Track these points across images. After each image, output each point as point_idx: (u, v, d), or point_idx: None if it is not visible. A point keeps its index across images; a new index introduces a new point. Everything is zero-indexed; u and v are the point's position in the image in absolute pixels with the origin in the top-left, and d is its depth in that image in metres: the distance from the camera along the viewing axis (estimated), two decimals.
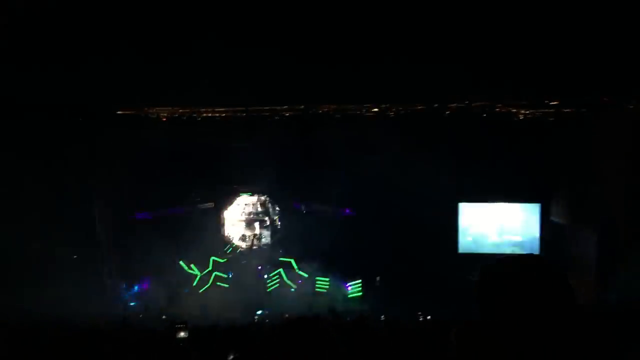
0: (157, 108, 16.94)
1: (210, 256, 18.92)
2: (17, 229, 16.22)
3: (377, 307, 16.48)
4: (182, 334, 4.85)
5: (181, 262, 18.58)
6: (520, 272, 1.69)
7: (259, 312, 16.69)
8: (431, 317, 13.89)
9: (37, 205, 16.86)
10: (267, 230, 20.82)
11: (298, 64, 12.94)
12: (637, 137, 14.07)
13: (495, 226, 17.27)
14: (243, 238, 20.59)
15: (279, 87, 14.12)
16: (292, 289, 18.33)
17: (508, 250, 16.52)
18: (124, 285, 18.16)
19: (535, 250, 16.77)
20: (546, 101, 15.33)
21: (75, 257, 17.25)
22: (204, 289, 18.47)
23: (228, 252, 19.97)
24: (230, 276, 18.76)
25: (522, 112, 15.98)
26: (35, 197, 16.77)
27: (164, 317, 14.87)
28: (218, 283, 18.40)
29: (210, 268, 18.67)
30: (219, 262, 19.00)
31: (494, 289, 1.69)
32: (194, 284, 18.48)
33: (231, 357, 3.97)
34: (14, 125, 15.06)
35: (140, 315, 14.16)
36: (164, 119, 17.22)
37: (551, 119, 15.88)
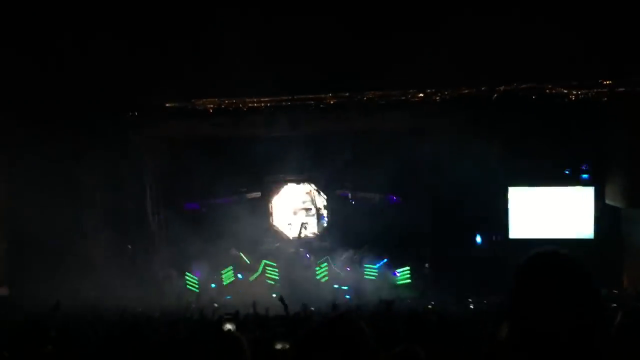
0: (204, 100, 17.17)
1: (258, 245, 19.16)
2: (74, 220, 16.87)
3: (426, 294, 16.39)
4: (228, 326, 4.92)
5: (241, 253, 18.89)
6: (550, 271, 1.73)
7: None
8: (482, 303, 13.71)
9: (92, 198, 17.49)
10: (315, 218, 20.91)
11: (342, 50, 12.91)
12: None
13: (547, 210, 16.85)
14: (290, 227, 20.74)
15: (323, 74, 14.12)
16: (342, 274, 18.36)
17: (561, 235, 16.11)
18: (176, 274, 18.55)
19: (589, 234, 16.33)
20: (599, 80, 14.81)
21: (129, 247, 17.77)
22: (253, 277, 18.71)
23: (276, 243, 20.18)
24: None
25: (574, 92, 15.49)
26: (90, 190, 17.38)
27: (215, 304, 15.14)
28: (268, 270, 18.58)
29: (259, 256, 18.91)
30: (267, 250, 19.25)
31: (523, 284, 1.75)
32: (242, 277, 18.76)
33: (279, 346, 4.02)
34: (66, 121, 15.56)
35: (193, 305, 14.45)
36: (211, 111, 17.44)
37: (604, 99, 15.35)
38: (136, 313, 12.21)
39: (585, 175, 16.43)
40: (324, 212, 20.82)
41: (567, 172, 16.60)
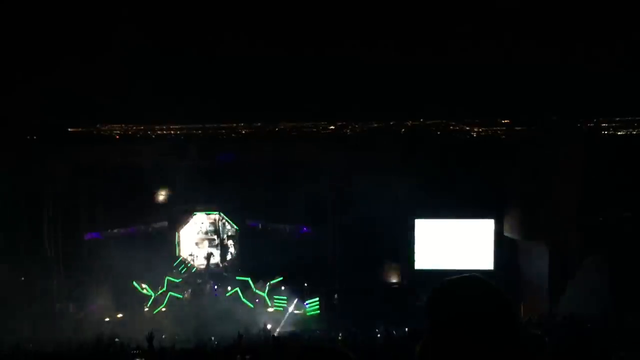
0: (110, 125, 16.63)
1: (165, 276, 18.50)
2: None
3: (334, 325, 16.39)
4: None
5: (134, 283, 18.10)
6: (465, 294, 1.75)
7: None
8: (390, 333, 13.88)
9: None
10: (223, 249, 20.56)
11: (256, 80, 12.95)
12: (587, 156, 14.54)
13: (451, 242, 17.44)
14: (197, 257, 20.27)
15: (239, 103, 14.10)
16: (251, 306, 18.05)
17: (462, 267, 16.69)
18: (74, 309, 17.54)
19: (489, 265, 17.02)
20: (498, 119, 15.73)
21: (22, 279, 16.62)
22: (157, 310, 18.01)
23: (183, 272, 19.59)
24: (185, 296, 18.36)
25: (475, 129, 16.33)
26: None
27: (116, 340, 14.40)
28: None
29: (164, 288, 18.22)
30: (174, 282, 18.59)
31: (440, 311, 1.74)
32: (148, 304, 18.00)
33: None
34: None
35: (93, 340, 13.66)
36: (117, 137, 16.91)
37: (503, 137, 16.28)
38: (29, 350, 11.40)
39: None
40: (229, 242, 20.54)
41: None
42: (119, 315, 17.40)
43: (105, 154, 17.70)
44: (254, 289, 18.20)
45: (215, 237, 20.56)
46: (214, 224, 20.56)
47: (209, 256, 20.14)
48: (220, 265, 20.28)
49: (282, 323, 16.68)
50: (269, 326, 16.35)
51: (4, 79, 12.39)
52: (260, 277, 18.38)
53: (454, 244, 17.39)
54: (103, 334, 14.88)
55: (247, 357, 8.02)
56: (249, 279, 18.38)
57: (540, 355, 3.56)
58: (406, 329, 12.95)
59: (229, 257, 20.45)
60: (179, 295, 18.12)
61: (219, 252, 20.48)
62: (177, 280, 18.83)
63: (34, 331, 14.21)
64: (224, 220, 20.41)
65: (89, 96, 13.51)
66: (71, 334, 14.96)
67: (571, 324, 11.16)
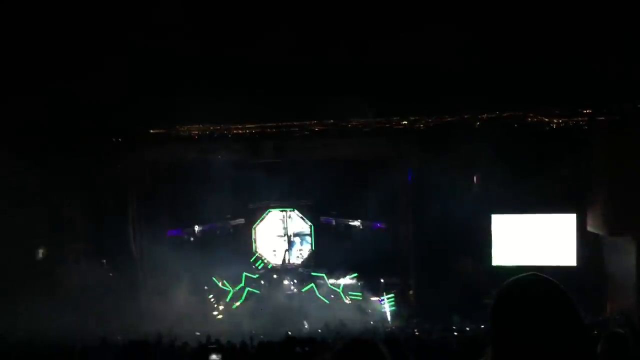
0: (189, 126, 17.18)
1: (242, 272, 18.98)
2: (57, 249, 16.67)
3: (410, 322, 16.31)
4: (214, 357, 4.80)
5: (214, 279, 18.68)
6: (529, 296, 1.70)
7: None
8: (465, 331, 13.67)
9: (74, 227, 17.31)
10: (297, 245, 20.85)
11: (325, 78, 13.03)
12: None
13: (530, 238, 16.95)
14: (274, 253, 20.64)
15: (309, 101, 14.23)
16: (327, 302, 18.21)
17: (543, 263, 16.19)
18: (158, 303, 18.28)
19: (572, 261, 16.41)
20: (579, 109, 15.09)
21: (111, 275, 17.49)
22: (236, 305, 18.51)
23: (259, 267, 20.02)
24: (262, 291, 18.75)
25: (555, 120, 15.74)
26: (72, 220, 17.23)
27: (197, 333, 14.91)
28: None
29: (242, 284, 18.70)
30: (251, 277, 19.04)
31: (503, 314, 1.72)
32: (227, 299, 18.53)
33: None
34: (54, 148, 15.44)
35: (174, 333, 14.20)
36: (195, 137, 17.45)
37: (585, 128, 15.61)
38: (116, 342, 11.98)
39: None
40: (304, 239, 20.79)
41: None
42: (199, 310, 17.97)
43: (184, 154, 18.33)
44: (329, 285, 18.37)
45: (289, 233, 20.87)
46: (288, 220, 20.87)
47: (284, 252, 20.48)
48: (295, 261, 20.57)
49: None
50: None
51: (85, 82, 13.01)
52: (335, 273, 18.53)
53: (534, 240, 16.90)
54: (182, 327, 15.49)
55: (306, 348, 8.08)
56: (324, 275, 18.57)
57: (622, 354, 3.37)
58: (482, 326, 12.72)
59: (303, 253, 20.71)
60: (256, 291, 18.54)
61: (293, 248, 20.79)
62: (254, 276, 19.27)
63: (120, 324, 14.91)
64: (298, 217, 20.69)
65: (167, 98, 13.99)
66: (154, 326, 15.62)
67: None
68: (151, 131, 17.10)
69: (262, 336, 14.69)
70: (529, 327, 1.64)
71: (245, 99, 13.09)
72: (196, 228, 19.82)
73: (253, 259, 20.10)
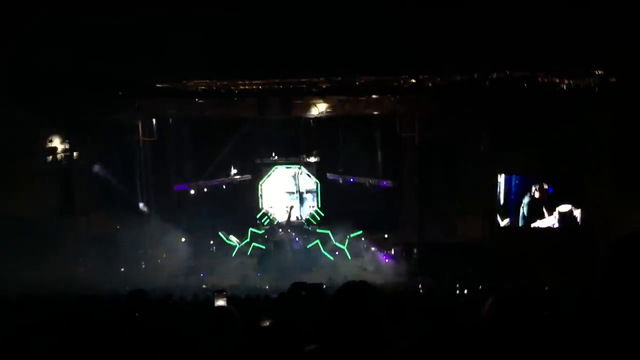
0: (195, 81, 17.07)
1: (248, 228, 19.13)
2: (66, 201, 16.87)
3: (414, 279, 16.48)
4: (220, 302, 4.90)
5: (220, 233, 18.85)
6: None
7: None
8: (469, 288, 13.80)
9: (84, 180, 17.50)
10: (303, 202, 20.90)
11: (334, 34, 12.86)
12: None
13: (535, 199, 16.91)
14: (279, 210, 20.71)
15: (316, 57, 14.07)
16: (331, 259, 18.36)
17: (544, 224, 16.18)
18: (164, 256, 18.51)
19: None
20: (590, 70, 14.86)
21: (118, 227, 17.69)
22: (234, 252, 18.72)
23: (265, 224, 20.15)
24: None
25: (565, 81, 15.52)
26: (82, 172, 17.41)
27: (204, 286, 15.15)
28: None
29: (248, 239, 18.87)
30: (257, 233, 19.20)
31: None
32: (233, 254, 18.73)
33: (266, 323, 4.04)
34: (57, 99, 15.44)
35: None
36: (202, 92, 17.35)
37: (596, 90, 15.39)
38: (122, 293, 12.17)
39: None
40: (310, 196, 20.83)
41: None
42: (205, 263, 18.20)
43: (191, 109, 18.29)
44: (334, 242, 18.51)
45: (295, 190, 20.90)
46: (294, 177, 20.87)
47: (290, 209, 20.55)
48: (301, 218, 20.67)
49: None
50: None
51: (94, 35, 12.90)
52: (340, 230, 18.65)
53: (540, 202, 16.88)
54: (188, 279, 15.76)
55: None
56: (329, 232, 18.69)
57: None
58: (479, 287, 12.83)
59: (309, 210, 20.78)
60: (261, 246, 18.71)
61: (299, 205, 20.85)
62: (260, 232, 19.43)
63: (126, 275, 15.20)
64: (304, 174, 20.68)
65: (175, 52, 13.87)
66: (162, 278, 15.88)
67: None
68: (158, 85, 17.01)
69: (267, 287, 15.01)
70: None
71: (253, 55, 12.98)
72: (202, 183, 19.89)
73: (259, 215, 20.20)
